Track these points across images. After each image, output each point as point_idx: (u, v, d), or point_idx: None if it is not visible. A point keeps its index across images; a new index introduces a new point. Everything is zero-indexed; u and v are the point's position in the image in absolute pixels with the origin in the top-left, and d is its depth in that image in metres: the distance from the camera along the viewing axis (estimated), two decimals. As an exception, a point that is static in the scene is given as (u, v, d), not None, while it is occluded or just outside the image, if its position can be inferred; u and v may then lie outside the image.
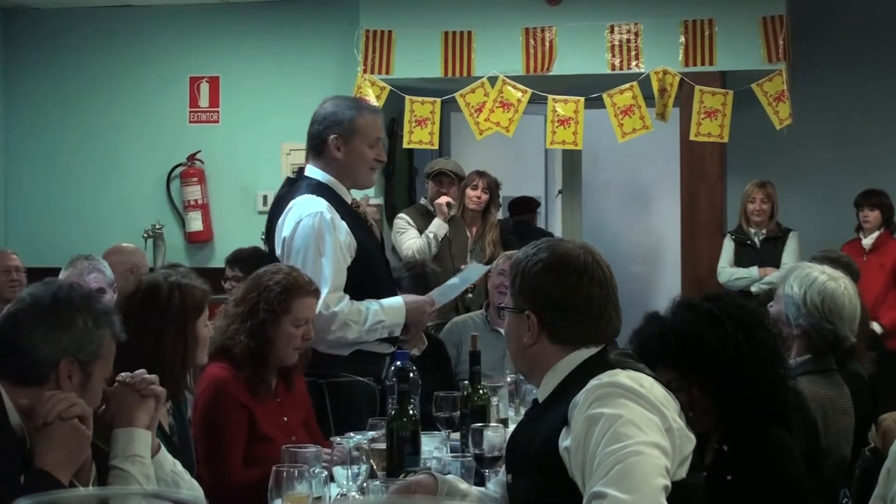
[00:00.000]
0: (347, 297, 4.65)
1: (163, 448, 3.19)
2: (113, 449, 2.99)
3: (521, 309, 3.01)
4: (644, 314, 3.56)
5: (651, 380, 2.87)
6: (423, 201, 8.36)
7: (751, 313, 3.46)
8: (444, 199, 8.00)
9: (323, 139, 4.76)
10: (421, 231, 8.03)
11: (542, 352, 3.00)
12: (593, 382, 2.82)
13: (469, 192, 8.61)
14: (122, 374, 3.10)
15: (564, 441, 2.81)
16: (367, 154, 4.80)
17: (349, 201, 4.85)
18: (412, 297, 4.86)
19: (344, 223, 4.70)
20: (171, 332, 3.71)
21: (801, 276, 4.13)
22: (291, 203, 4.74)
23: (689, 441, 2.84)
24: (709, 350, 3.33)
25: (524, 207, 11.01)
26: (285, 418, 4.29)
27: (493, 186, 8.84)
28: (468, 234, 8.32)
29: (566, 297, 2.97)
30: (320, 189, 4.76)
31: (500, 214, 11.62)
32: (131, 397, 3.06)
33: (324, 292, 4.52)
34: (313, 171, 4.81)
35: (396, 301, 4.77)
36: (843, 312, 4.08)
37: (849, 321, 4.10)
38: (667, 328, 3.42)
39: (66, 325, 2.87)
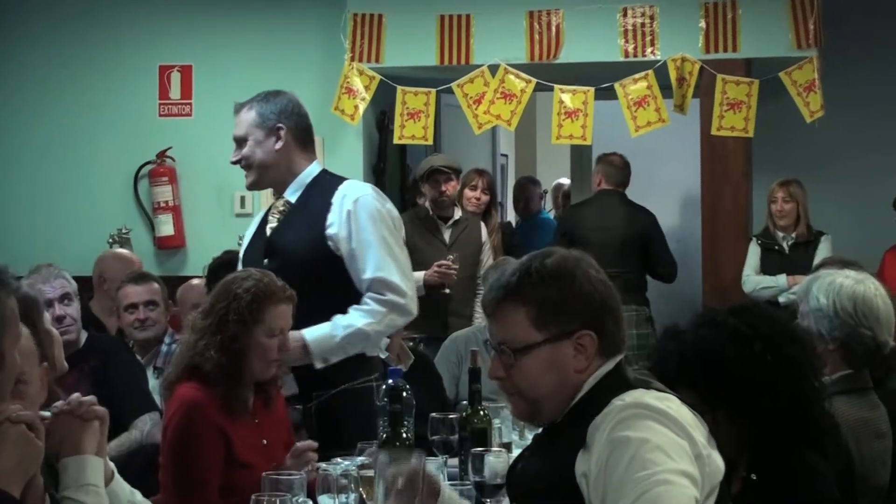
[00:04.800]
0: None
1: (117, 476, 3.18)
2: (63, 479, 2.96)
3: (566, 333, 2.92)
4: (663, 328, 3.55)
5: (678, 401, 2.88)
6: (420, 201, 8.35)
7: (782, 328, 3.44)
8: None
9: None
10: (411, 240, 8.02)
11: (591, 371, 2.94)
12: (616, 402, 2.82)
13: (468, 192, 8.61)
14: (57, 402, 3.07)
15: (582, 466, 2.80)
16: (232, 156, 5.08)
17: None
18: None
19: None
20: None
21: (826, 286, 4.13)
22: None
23: (719, 470, 2.83)
24: (734, 374, 3.31)
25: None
26: (264, 441, 4.29)
27: (493, 186, 8.84)
28: (483, 240, 8.29)
29: (612, 302, 2.98)
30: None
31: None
32: (73, 423, 3.02)
33: None
34: None
35: None
36: (878, 315, 4.09)
37: (886, 324, 4.11)
38: (687, 347, 3.40)
39: None
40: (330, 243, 4.76)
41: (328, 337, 4.69)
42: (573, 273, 2.95)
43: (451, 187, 8.21)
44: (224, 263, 6.88)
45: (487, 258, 8.21)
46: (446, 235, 8.19)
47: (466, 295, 8.01)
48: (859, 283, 4.12)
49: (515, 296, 2.94)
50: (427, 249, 7.96)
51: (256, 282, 4.28)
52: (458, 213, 8.30)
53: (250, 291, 4.25)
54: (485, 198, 8.59)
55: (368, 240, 4.76)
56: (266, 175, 4.95)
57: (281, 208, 4.95)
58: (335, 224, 4.77)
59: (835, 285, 4.12)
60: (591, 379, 2.93)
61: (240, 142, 4.95)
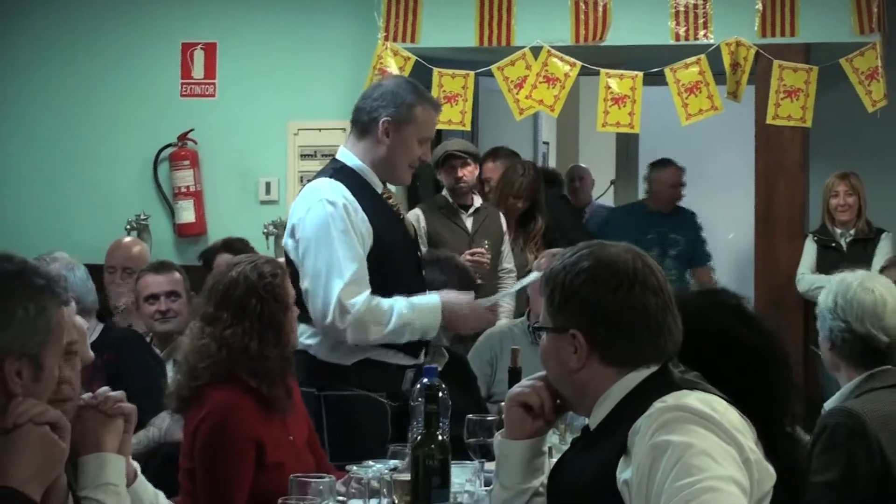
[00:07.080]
0: (367, 292, 4.78)
1: (140, 476, 3.18)
2: (81, 478, 2.98)
3: (563, 328, 3.02)
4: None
5: (725, 403, 2.89)
6: (444, 193, 8.35)
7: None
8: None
9: (374, 118, 4.96)
10: (432, 229, 8.01)
11: (593, 377, 3.01)
12: (657, 405, 2.83)
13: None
14: (84, 394, 3.07)
15: (623, 473, 2.82)
16: (414, 149, 5.02)
17: (380, 190, 5.05)
18: (452, 295, 4.91)
19: (363, 213, 4.86)
20: None
21: (835, 282, 4.26)
22: (305, 188, 4.99)
23: (770, 476, 2.84)
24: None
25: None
26: (290, 437, 4.30)
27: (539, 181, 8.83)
28: (504, 230, 8.29)
29: (618, 311, 2.98)
30: (343, 173, 4.97)
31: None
32: (97, 419, 3.03)
33: (338, 286, 4.66)
34: (344, 155, 5.03)
35: (430, 299, 4.88)
36: (863, 314, 4.17)
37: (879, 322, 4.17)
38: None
39: (4, 322, 2.74)
40: None
41: None
42: (594, 277, 3.01)
43: (468, 172, 8.22)
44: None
45: (508, 250, 8.20)
46: (468, 224, 8.20)
47: (490, 288, 7.98)
48: (866, 291, 4.20)
49: (549, 282, 3.09)
50: (450, 238, 7.97)
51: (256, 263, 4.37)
52: (477, 202, 8.31)
53: (257, 269, 4.32)
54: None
55: None
56: None
57: (399, 202, 5.28)
58: None
59: (843, 284, 4.23)
60: (623, 384, 2.97)
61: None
